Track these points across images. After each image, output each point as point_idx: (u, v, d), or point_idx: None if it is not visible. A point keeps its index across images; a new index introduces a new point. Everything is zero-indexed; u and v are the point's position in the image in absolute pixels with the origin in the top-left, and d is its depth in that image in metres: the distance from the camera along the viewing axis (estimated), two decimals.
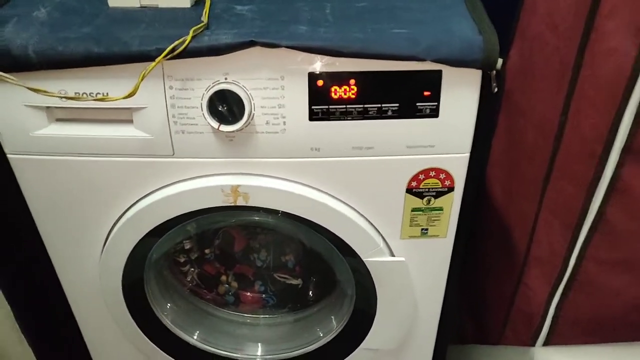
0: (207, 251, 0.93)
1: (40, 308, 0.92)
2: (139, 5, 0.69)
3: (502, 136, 1.02)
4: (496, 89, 0.65)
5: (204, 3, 0.68)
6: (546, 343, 0.95)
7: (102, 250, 0.77)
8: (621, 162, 0.73)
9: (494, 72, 0.63)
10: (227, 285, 0.96)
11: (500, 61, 0.62)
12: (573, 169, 0.80)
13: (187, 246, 0.89)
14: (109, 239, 0.76)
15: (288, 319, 0.96)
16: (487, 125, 0.69)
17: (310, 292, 0.96)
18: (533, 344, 0.96)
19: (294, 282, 0.96)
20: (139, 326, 0.85)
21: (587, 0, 0.69)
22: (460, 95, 0.65)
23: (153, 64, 0.59)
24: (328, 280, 0.92)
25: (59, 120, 0.68)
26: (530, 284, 0.95)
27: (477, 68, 0.63)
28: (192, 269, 0.93)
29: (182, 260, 0.91)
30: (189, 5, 0.69)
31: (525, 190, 0.94)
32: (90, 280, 0.81)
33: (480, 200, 1.12)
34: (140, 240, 0.75)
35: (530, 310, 0.96)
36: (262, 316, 0.97)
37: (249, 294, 0.97)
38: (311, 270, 0.96)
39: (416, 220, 0.74)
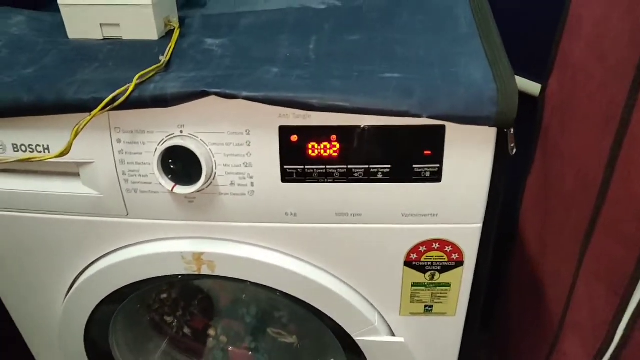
0: (188, 306, 0.83)
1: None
2: (101, 37, 0.60)
3: (538, 176, 0.88)
4: (514, 151, 0.51)
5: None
6: None
7: (61, 311, 0.69)
8: None
9: (512, 130, 0.49)
10: (215, 340, 0.86)
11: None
12: (621, 229, 0.66)
13: (165, 296, 0.80)
14: (65, 303, 0.67)
15: None
16: (499, 190, 0.55)
17: (307, 353, 0.85)
18: None
19: (289, 340, 0.85)
20: None
21: None
22: (469, 156, 0.52)
23: (87, 118, 0.50)
24: (323, 346, 0.81)
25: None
26: (568, 352, 0.81)
27: (490, 126, 0.49)
28: (175, 323, 0.84)
29: (162, 311, 0.82)
30: (156, 38, 0.59)
31: (562, 245, 0.80)
32: (53, 336, 0.73)
33: (512, 246, 0.98)
34: (98, 306, 0.66)
35: None
36: None
37: (240, 350, 0.87)
38: (307, 329, 0.85)
39: (418, 296, 0.62)
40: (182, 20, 0.62)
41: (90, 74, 0.54)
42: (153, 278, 0.62)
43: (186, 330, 0.86)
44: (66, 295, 0.67)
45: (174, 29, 0.61)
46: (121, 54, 0.57)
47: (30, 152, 0.55)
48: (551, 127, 0.81)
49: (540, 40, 0.79)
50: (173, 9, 0.63)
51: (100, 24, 0.60)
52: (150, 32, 0.59)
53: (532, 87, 0.88)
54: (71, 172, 0.58)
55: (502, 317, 1.05)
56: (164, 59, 0.54)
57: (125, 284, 0.62)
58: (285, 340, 0.85)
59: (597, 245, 0.71)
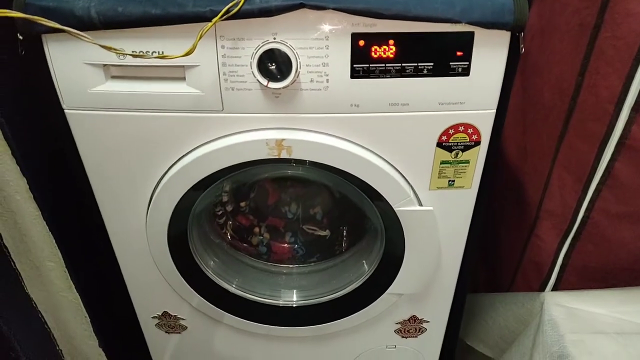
0: (242, 204, 0.99)
1: (90, 257, 0.98)
2: None
3: (517, 96, 1.07)
4: (523, 50, 0.69)
5: None
6: (553, 289, 1.02)
7: (149, 203, 0.83)
8: (631, 119, 0.78)
9: (522, 34, 0.68)
10: (260, 237, 1.02)
11: None
12: (586, 127, 0.85)
13: (225, 199, 0.95)
14: (157, 191, 0.81)
15: (319, 267, 1.03)
16: (510, 84, 0.74)
17: (338, 242, 1.03)
18: (542, 291, 1.03)
19: (322, 233, 1.03)
20: (182, 276, 0.92)
21: None
22: (490, 56, 0.70)
23: (210, 24, 0.64)
24: (356, 230, 0.98)
25: (114, 77, 0.72)
26: (542, 235, 1.02)
27: (507, 30, 0.67)
28: (229, 221, 0.99)
29: (219, 212, 0.97)
30: None
31: (540, 148, 0.99)
32: (138, 231, 0.86)
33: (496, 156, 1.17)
34: (186, 193, 0.80)
35: (540, 260, 1.02)
36: (294, 266, 1.03)
37: (280, 244, 1.04)
38: (338, 221, 1.03)
39: (444, 173, 0.80)
40: None
41: None
42: (237, 165, 0.77)
43: (236, 228, 1.01)
44: (155, 188, 0.81)
45: None
46: None
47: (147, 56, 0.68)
48: (531, 51, 1.00)
49: None
50: None
51: None
52: None
53: None
54: (177, 76, 0.71)
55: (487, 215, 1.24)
56: None
57: (217, 169, 0.77)
58: (319, 234, 1.03)
59: (568, 143, 0.90)
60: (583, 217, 0.91)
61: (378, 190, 0.79)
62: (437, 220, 0.84)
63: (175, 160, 0.78)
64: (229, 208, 0.99)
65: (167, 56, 0.65)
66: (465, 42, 0.69)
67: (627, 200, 0.86)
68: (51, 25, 0.60)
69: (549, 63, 0.93)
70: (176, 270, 0.91)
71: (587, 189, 0.89)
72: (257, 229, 1.02)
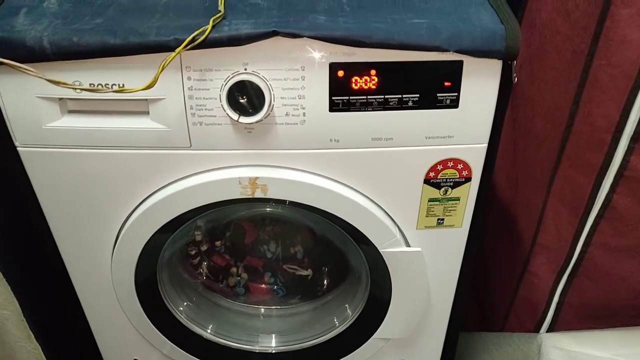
0: (217, 243, 0.92)
1: (49, 303, 0.91)
2: None
3: (507, 126, 1.03)
4: (516, 79, 0.65)
5: None
6: (550, 329, 0.97)
7: (114, 245, 0.76)
8: (630, 149, 0.75)
9: (515, 62, 0.63)
10: (237, 278, 0.95)
11: None
12: (582, 158, 0.81)
13: (198, 238, 0.89)
14: (122, 233, 0.75)
15: (301, 309, 0.96)
16: (503, 115, 0.69)
17: (321, 282, 0.97)
18: (537, 331, 0.98)
19: (304, 273, 0.97)
20: (152, 322, 0.85)
21: None
22: (481, 86, 0.65)
23: (173, 54, 0.58)
24: (339, 270, 0.92)
25: (71, 112, 0.66)
26: (536, 271, 0.97)
27: (499, 59, 0.63)
28: (203, 261, 0.93)
29: (193, 252, 0.91)
30: None
31: (533, 179, 0.95)
32: (102, 275, 0.80)
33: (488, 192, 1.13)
34: (153, 235, 0.74)
35: (534, 298, 0.97)
36: (274, 307, 0.97)
37: (259, 285, 0.97)
38: (321, 260, 0.96)
39: (433, 211, 0.75)
40: None
41: (158, 21, 0.62)
42: (207, 205, 0.71)
43: (212, 268, 0.95)
44: (120, 229, 0.75)
45: None
46: (177, 7, 0.65)
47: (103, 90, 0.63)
48: (519, 81, 0.96)
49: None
50: None
51: None
52: None
53: None
54: (140, 110, 0.66)
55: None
56: (221, 8, 0.63)
57: (186, 210, 0.71)
58: (301, 273, 0.96)
59: (563, 174, 0.86)
60: (580, 251, 0.87)
61: (362, 230, 0.73)
62: (426, 261, 0.78)
63: (140, 201, 0.72)
64: (204, 248, 0.92)
65: (126, 90, 0.60)
66: (453, 72, 0.64)
67: (627, 233, 0.83)
68: None
69: (540, 92, 0.89)
70: (145, 315, 0.84)
71: (584, 222, 0.85)
72: (234, 269, 0.96)
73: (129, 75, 0.62)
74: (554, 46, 0.83)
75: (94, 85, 0.62)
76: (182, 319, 0.87)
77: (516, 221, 1.02)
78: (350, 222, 0.73)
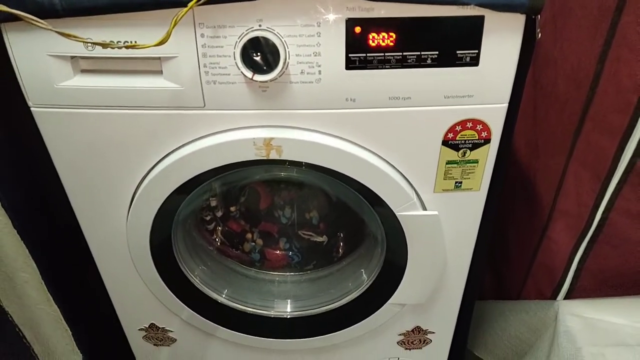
0: (232, 208, 0.92)
1: (67, 266, 0.92)
2: None
3: (528, 87, 1.00)
4: (539, 35, 0.62)
5: None
6: (567, 297, 0.96)
7: (130, 207, 0.76)
8: None
9: (539, 17, 0.60)
10: (252, 243, 0.95)
11: None
12: (606, 120, 0.79)
13: (213, 203, 0.88)
14: (137, 195, 0.74)
15: (316, 275, 0.96)
16: (524, 74, 0.66)
17: (335, 248, 0.96)
18: (554, 298, 0.97)
19: (319, 239, 0.96)
20: (167, 285, 0.85)
21: None
22: (502, 43, 0.63)
23: (185, 9, 0.57)
24: (354, 235, 0.91)
25: (84, 71, 0.65)
26: (555, 237, 0.96)
27: (522, 13, 0.60)
28: (218, 227, 0.92)
29: (207, 217, 0.90)
30: None
31: (554, 143, 0.93)
32: (118, 238, 0.80)
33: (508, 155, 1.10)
34: (169, 196, 0.73)
35: (553, 264, 0.96)
36: (289, 273, 0.96)
37: (274, 251, 0.97)
38: (336, 226, 0.96)
39: (450, 173, 0.73)
40: None
41: None
42: (222, 167, 0.70)
43: (226, 234, 0.95)
44: (135, 190, 0.74)
45: None
46: None
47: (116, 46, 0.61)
48: (542, 40, 0.93)
49: None
50: None
51: None
52: None
53: None
54: (153, 69, 0.64)
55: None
56: None
57: (200, 172, 0.70)
58: (316, 239, 0.96)
59: (586, 137, 0.84)
60: (601, 217, 0.85)
61: (378, 193, 0.72)
62: (443, 226, 0.77)
63: (155, 162, 0.72)
64: (219, 213, 0.92)
65: (138, 45, 0.58)
66: (474, 28, 0.61)
67: None
68: (3, 9, 0.53)
69: (563, 51, 0.86)
70: (160, 279, 0.84)
71: (606, 186, 0.83)
72: (249, 235, 0.95)
73: (141, 32, 0.61)
74: (579, 2, 0.80)
75: (106, 42, 0.61)
76: (197, 282, 0.87)
77: (536, 186, 1.00)
78: (366, 185, 0.71)
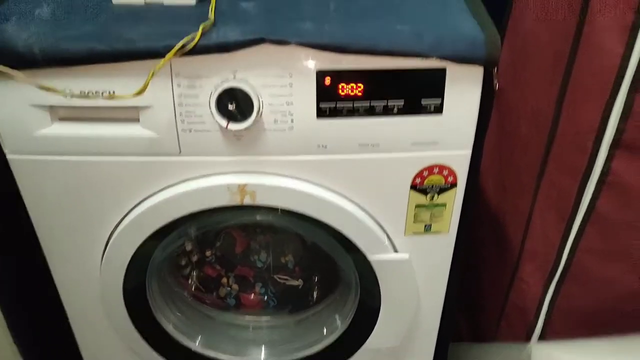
0: (208, 253, 0.92)
1: (34, 312, 0.90)
2: (143, 3, 0.69)
3: (493, 131, 1.04)
4: (497, 86, 0.66)
5: (209, 1, 0.68)
6: (541, 337, 0.96)
7: (103, 253, 0.76)
8: (610, 155, 0.76)
9: (496, 69, 0.65)
10: (228, 288, 0.95)
11: None
12: (567, 161, 0.81)
13: (189, 248, 0.89)
14: (111, 241, 0.75)
15: (291, 320, 0.96)
16: (486, 121, 0.70)
17: (311, 292, 0.96)
18: (528, 340, 0.98)
19: (294, 283, 0.96)
20: (139, 332, 0.84)
21: None
22: (464, 92, 0.67)
23: (163, 60, 0.59)
24: (329, 279, 0.92)
25: (62, 119, 0.67)
26: (525, 277, 0.97)
27: (480, 65, 0.64)
28: (193, 272, 0.92)
29: (183, 263, 0.90)
30: (193, 3, 0.69)
31: (519, 183, 0.96)
32: (89, 284, 0.79)
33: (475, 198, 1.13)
34: (143, 242, 0.74)
35: (525, 305, 0.97)
36: (264, 318, 0.96)
37: (249, 296, 0.97)
38: (311, 270, 0.96)
39: (420, 217, 0.75)
40: None
41: (149, 28, 0.63)
42: (197, 213, 0.71)
43: (202, 279, 0.94)
44: (110, 237, 0.75)
45: None
46: (168, 14, 0.66)
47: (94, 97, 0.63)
48: (504, 85, 0.98)
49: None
50: None
51: None
52: None
53: None
54: (130, 117, 0.66)
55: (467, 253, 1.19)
56: (211, 16, 0.65)
57: (175, 218, 0.71)
58: (292, 283, 0.96)
59: (549, 178, 0.87)
60: (567, 256, 0.87)
61: (350, 237, 0.74)
62: (415, 268, 0.78)
63: (130, 208, 0.72)
64: (194, 258, 0.92)
65: (116, 96, 0.61)
66: (436, 79, 0.65)
67: (612, 238, 0.83)
68: None
69: (524, 96, 0.90)
70: (133, 327, 0.83)
71: (570, 226, 0.85)
72: (224, 280, 0.96)
73: (119, 83, 0.63)
74: (536, 50, 0.85)
75: (85, 93, 0.63)
76: (171, 330, 0.86)
77: (505, 227, 1.03)
78: (339, 229, 0.73)
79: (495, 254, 1.06)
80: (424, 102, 0.66)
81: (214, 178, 0.70)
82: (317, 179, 0.71)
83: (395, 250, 0.77)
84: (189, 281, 0.93)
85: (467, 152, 0.71)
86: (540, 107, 0.84)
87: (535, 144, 0.87)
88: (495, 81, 0.66)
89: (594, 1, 0.69)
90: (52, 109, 0.66)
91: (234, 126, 0.64)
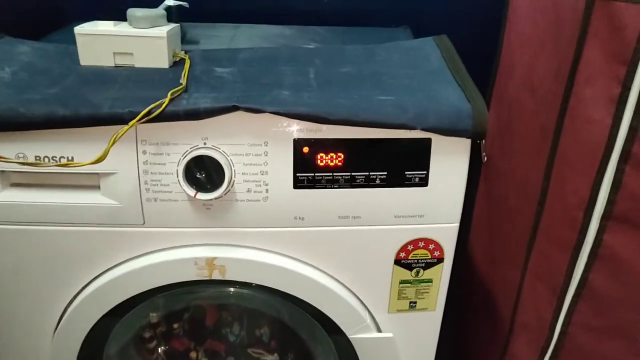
0: (175, 325, 0.85)
1: None
2: (113, 65, 0.65)
3: (482, 201, 1.01)
4: (485, 159, 0.63)
5: (183, 64, 0.64)
6: None
7: (55, 331, 0.69)
8: (602, 228, 0.72)
9: (484, 141, 0.61)
10: None
11: None
12: (557, 233, 0.78)
13: (154, 320, 0.81)
14: (63, 318, 0.68)
15: None
16: (474, 194, 0.66)
17: None
18: None
19: (269, 358, 0.89)
20: None
21: (566, 66, 0.69)
22: (450, 164, 0.63)
23: (125, 127, 0.55)
24: (307, 355, 0.85)
25: (14, 185, 0.62)
26: (517, 352, 0.92)
27: (467, 137, 0.61)
28: (159, 346, 0.85)
29: (147, 336, 0.83)
30: (167, 66, 0.66)
31: (509, 255, 0.92)
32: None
33: (462, 263, 1.09)
34: (100, 320, 0.67)
35: None
36: None
37: None
38: (288, 345, 0.89)
39: (404, 293, 0.70)
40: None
41: (116, 92, 0.59)
42: (161, 288, 0.65)
43: (169, 353, 0.87)
44: (63, 313, 0.68)
45: (182, 59, 0.68)
46: (139, 78, 0.63)
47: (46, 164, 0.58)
48: (492, 155, 0.96)
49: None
50: (178, 43, 0.70)
51: (114, 52, 0.65)
52: (162, 61, 0.66)
53: None
54: (90, 184, 0.61)
55: (455, 327, 1.14)
56: (183, 81, 0.61)
57: (136, 293, 0.65)
58: (266, 358, 0.89)
59: (539, 250, 0.83)
60: (560, 331, 0.82)
61: (329, 315, 0.68)
62: (398, 348, 0.72)
63: (86, 283, 0.66)
64: (160, 330, 0.85)
65: (72, 164, 0.55)
66: (421, 150, 0.62)
67: (606, 313, 0.79)
68: None
69: (512, 166, 0.88)
70: None
71: (562, 300, 0.81)
72: (193, 354, 0.88)
73: (79, 148, 0.58)
74: (522, 121, 0.83)
75: (40, 158, 0.58)
76: None
77: (495, 299, 0.98)
78: (317, 306, 0.67)
79: (486, 326, 1.00)
80: (409, 174, 0.62)
81: (180, 250, 0.64)
82: (294, 253, 0.66)
83: (379, 329, 0.72)
84: (154, 355, 0.86)
85: (455, 226, 0.67)
86: (528, 178, 0.81)
87: (524, 214, 0.84)
88: (484, 154, 0.62)
89: (580, 73, 0.67)
90: (3, 174, 0.60)
91: (202, 196, 0.59)
